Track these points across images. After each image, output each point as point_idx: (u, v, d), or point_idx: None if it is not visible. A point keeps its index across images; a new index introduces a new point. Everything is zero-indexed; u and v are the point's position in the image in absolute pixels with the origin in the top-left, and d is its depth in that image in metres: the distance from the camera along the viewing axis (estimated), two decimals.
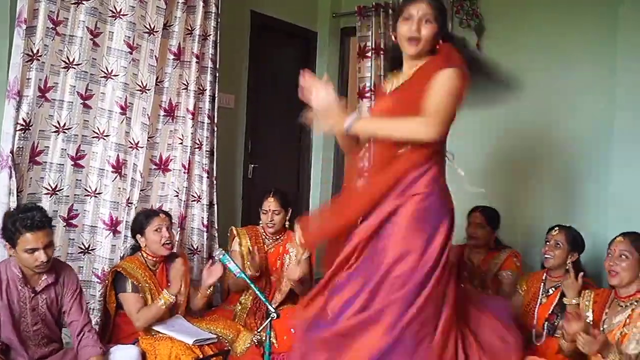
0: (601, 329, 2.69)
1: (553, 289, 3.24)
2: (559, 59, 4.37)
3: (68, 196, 3.41)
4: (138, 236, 3.30)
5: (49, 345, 2.81)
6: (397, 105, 2.39)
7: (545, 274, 3.31)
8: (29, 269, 2.71)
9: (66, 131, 3.39)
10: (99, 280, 3.47)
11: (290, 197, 3.83)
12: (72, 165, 3.43)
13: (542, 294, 3.27)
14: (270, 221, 3.65)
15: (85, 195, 3.52)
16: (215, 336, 3.14)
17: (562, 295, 3.14)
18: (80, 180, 3.49)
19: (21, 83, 3.17)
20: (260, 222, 3.75)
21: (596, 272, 3.59)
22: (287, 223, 3.73)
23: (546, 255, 3.24)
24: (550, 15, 4.42)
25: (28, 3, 3.15)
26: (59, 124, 3.36)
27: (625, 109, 4.06)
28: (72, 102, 3.40)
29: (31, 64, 3.21)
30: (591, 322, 2.74)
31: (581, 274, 3.00)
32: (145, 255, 3.29)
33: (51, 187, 3.34)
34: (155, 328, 3.10)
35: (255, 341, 3.18)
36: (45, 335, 2.79)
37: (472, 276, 3.74)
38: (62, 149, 3.39)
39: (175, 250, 3.45)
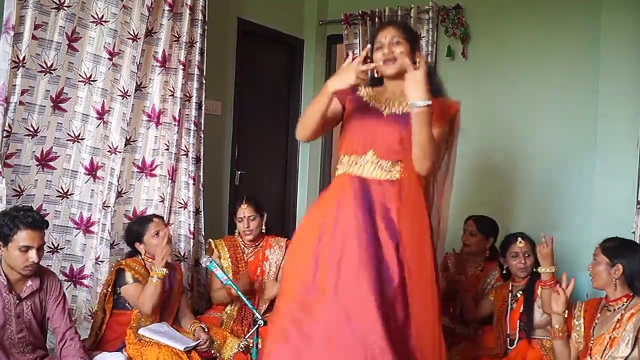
0: (591, 334, 2.73)
1: (520, 292, 3.38)
2: (542, 67, 4.43)
3: (34, 195, 3.39)
4: (137, 244, 3.32)
5: (34, 353, 2.79)
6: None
7: (511, 283, 3.44)
8: (15, 273, 2.69)
9: (37, 134, 3.39)
10: (66, 278, 3.48)
11: (263, 204, 3.83)
12: (37, 165, 3.40)
13: (512, 300, 3.39)
14: (247, 228, 3.66)
15: (57, 197, 3.52)
16: (202, 339, 3.15)
17: (527, 293, 3.30)
18: (50, 181, 3.48)
19: (8, 90, 3.16)
20: (236, 231, 3.75)
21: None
22: (263, 228, 3.74)
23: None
24: (535, 24, 4.48)
25: (15, 10, 3.14)
26: (32, 127, 3.35)
27: (608, 117, 4.12)
28: (44, 106, 3.40)
29: (17, 70, 3.20)
30: (582, 332, 2.79)
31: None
32: (146, 259, 3.32)
33: (20, 189, 3.32)
34: (143, 334, 3.09)
35: (243, 347, 3.18)
36: (30, 342, 2.76)
37: (450, 285, 3.75)
38: (32, 151, 3.38)
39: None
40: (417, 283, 2.37)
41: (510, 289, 3.43)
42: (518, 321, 3.31)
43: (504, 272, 3.54)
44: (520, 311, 3.32)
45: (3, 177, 3.16)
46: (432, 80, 2.58)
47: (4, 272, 2.69)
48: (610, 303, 2.73)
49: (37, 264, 2.70)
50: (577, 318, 2.83)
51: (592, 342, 2.71)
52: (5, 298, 2.68)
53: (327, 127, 2.68)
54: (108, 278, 3.29)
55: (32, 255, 2.64)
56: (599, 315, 2.77)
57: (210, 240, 3.79)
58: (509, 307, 3.39)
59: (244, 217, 3.67)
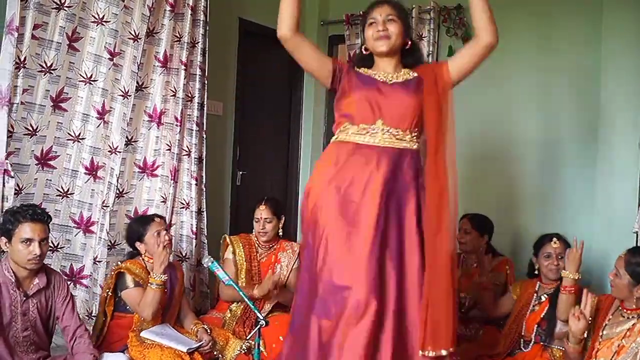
0: (600, 334, 2.70)
1: (545, 296, 3.27)
2: (543, 66, 4.42)
3: (33, 193, 3.41)
4: (137, 244, 3.30)
5: (37, 353, 2.80)
6: (427, 99, 2.52)
7: (538, 282, 3.34)
8: (22, 270, 2.72)
9: (36, 133, 3.40)
10: (66, 277, 3.48)
11: (282, 206, 3.80)
12: (36, 164, 3.42)
13: (535, 302, 3.31)
14: (262, 229, 3.64)
15: (56, 196, 3.53)
16: (205, 340, 3.14)
17: (552, 301, 3.17)
18: (50, 180, 3.50)
19: (12, 90, 3.19)
20: (253, 230, 3.74)
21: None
22: (280, 231, 3.72)
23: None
24: (536, 24, 4.47)
25: (18, 11, 3.15)
26: (31, 126, 3.36)
27: (609, 116, 4.11)
28: (44, 106, 3.41)
29: (19, 71, 3.23)
30: (591, 332, 2.75)
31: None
32: (146, 260, 3.28)
33: (19, 187, 3.33)
34: (145, 336, 3.09)
35: (245, 348, 3.18)
36: (34, 341, 2.78)
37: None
38: (32, 150, 3.40)
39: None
40: (433, 262, 2.38)
41: (536, 289, 3.32)
42: (536, 326, 3.22)
43: (536, 272, 3.38)
44: (542, 316, 3.21)
45: (12, 177, 3.20)
46: (419, 52, 2.71)
47: (11, 269, 2.72)
48: (626, 310, 2.69)
49: (41, 258, 2.73)
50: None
51: (599, 343, 2.67)
52: (12, 295, 2.71)
53: (306, 67, 2.78)
54: (108, 281, 3.27)
55: (35, 247, 2.67)
56: (610, 316, 2.73)
57: (226, 235, 3.78)
58: (531, 309, 3.30)
59: (261, 218, 3.65)
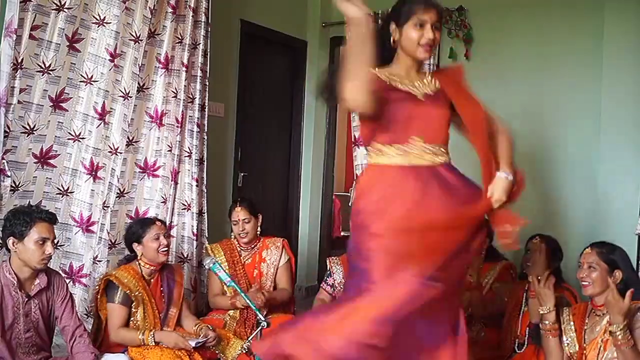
0: (583, 339, 2.71)
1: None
2: (546, 68, 4.43)
3: (32, 191, 3.42)
4: (135, 245, 3.26)
5: (39, 354, 2.80)
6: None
7: (527, 284, 3.32)
8: (25, 271, 2.73)
9: (34, 132, 3.42)
10: (65, 275, 3.50)
11: (257, 205, 3.77)
12: (35, 162, 3.43)
13: (524, 303, 3.31)
14: (242, 230, 3.64)
15: (57, 194, 3.55)
16: (211, 336, 3.15)
17: None
18: (50, 178, 3.51)
19: (7, 91, 3.20)
20: (232, 234, 3.73)
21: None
22: (259, 230, 3.72)
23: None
24: (538, 26, 4.48)
25: (17, 13, 3.17)
26: (28, 125, 3.38)
27: (611, 118, 4.11)
28: (41, 105, 3.42)
29: (16, 71, 3.24)
30: (575, 336, 2.76)
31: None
32: (142, 264, 3.25)
33: (15, 184, 3.34)
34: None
35: (246, 348, 3.18)
36: (35, 343, 2.78)
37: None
38: (29, 148, 3.41)
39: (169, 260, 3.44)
40: None
41: (526, 288, 3.29)
42: (527, 328, 3.20)
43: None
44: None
45: (8, 176, 3.22)
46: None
47: (13, 271, 2.72)
48: (599, 308, 2.70)
49: (50, 259, 2.75)
50: (566, 322, 2.81)
51: (585, 347, 2.69)
52: (14, 296, 2.71)
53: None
54: (97, 287, 3.22)
55: (48, 247, 2.70)
56: (587, 320, 2.75)
57: (207, 245, 3.78)
58: (522, 308, 3.30)
59: (239, 220, 3.65)
